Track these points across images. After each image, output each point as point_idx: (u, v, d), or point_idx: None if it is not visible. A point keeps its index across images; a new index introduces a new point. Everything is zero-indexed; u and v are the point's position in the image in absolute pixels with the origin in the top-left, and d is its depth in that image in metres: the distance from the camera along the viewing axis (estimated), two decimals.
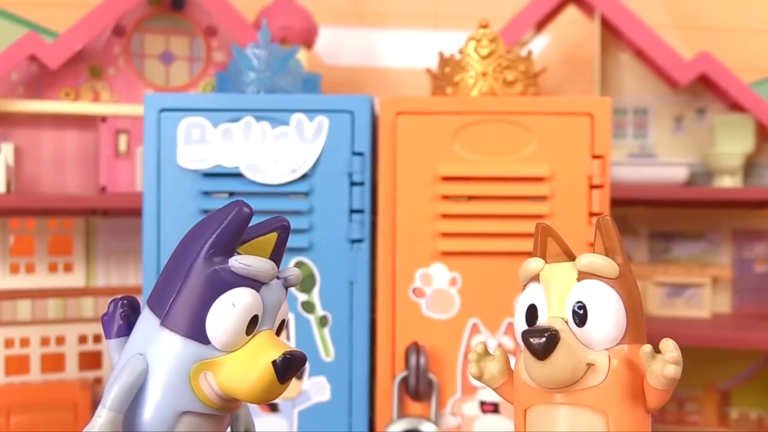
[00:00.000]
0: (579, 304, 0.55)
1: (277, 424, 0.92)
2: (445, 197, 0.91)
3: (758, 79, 1.43)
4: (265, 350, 0.53)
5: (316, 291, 0.92)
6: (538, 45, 1.47)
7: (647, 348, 0.54)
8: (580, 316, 0.55)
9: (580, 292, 0.56)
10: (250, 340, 0.54)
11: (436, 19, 1.50)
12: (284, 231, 0.60)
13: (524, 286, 0.60)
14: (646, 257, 1.47)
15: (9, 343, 1.22)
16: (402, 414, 0.90)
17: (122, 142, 1.27)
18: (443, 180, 0.91)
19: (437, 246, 0.91)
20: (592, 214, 0.90)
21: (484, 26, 1.01)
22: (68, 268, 1.27)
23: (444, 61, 1.02)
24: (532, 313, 0.58)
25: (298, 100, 0.93)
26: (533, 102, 0.93)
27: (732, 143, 1.34)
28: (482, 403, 0.92)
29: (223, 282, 0.54)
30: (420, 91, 1.34)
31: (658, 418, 1.45)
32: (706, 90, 1.39)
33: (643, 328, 0.58)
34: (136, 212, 1.02)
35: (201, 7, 1.32)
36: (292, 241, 0.92)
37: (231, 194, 0.92)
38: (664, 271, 1.43)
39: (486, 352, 0.61)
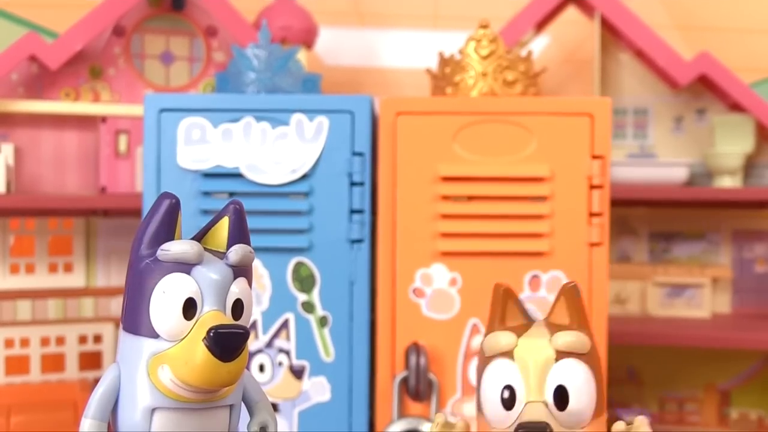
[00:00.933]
0: (561, 388, 0.55)
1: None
2: (445, 197, 0.91)
3: (758, 79, 1.43)
4: (203, 330, 0.53)
5: (316, 291, 0.92)
6: (538, 45, 1.47)
7: (621, 426, 0.55)
8: (562, 400, 0.55)
9: (559, 374, 0.56)
10: (195, 324, 0.54)
11: (436, 20, 1.50)
12: (235, 213, 0.59)
13: (489, 358, 0.59)
14: (646, 257, 1.47)
15: (9, 343, 1.22)
16: (402, 414, 0.90)
17: (122, 142, 1.27)
18: (443, 180, 0.91)
19: (437, 246, 0.91)
20: (592, 215, 0.90)
21: (484, 26, 1.01)
22: (68, 268, 1.27)
23: (444, 61, 1.02)
24: (510, 395, 0.57)
25: (298, 101, 0.93)
26: (533, 102, 0.93)
27: (732, 143, 1.34)
28: None
29: (155, 272, 0.55)
30: (420, 92, 1.34)
31: (658, 418, 1.45)
32: (706, 90, 1.39)
33: (604, 398, 0.58)
34: (136, 212, 1.02)
35: (201, 8, 1.32)
36: (293, 241, 0.93)
37: (231, 194, 0.92)
38: (664, 271, 1.43)
39: (447, 424, 0.61)
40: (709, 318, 1.40)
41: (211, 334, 0.52)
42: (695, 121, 1.42)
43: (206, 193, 0.92)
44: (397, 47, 1.50)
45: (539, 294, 0.90)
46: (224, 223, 0.58)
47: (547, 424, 0.53)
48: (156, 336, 0.54)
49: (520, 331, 0.59)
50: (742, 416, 1.43)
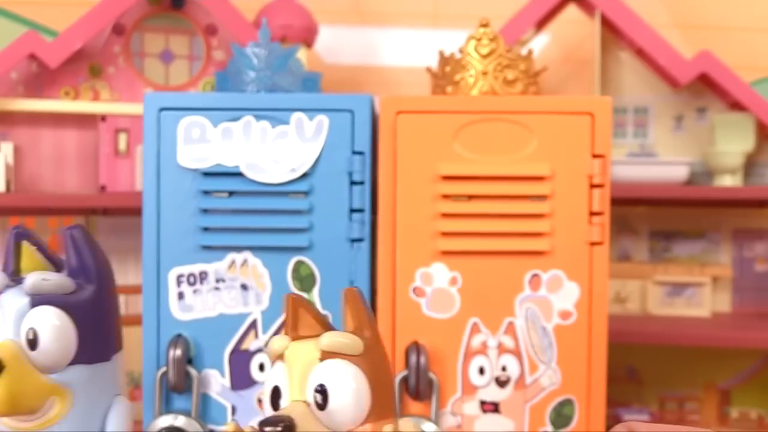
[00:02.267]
0: (319, 386, 0.55)
1: None
2: (446, 196, 0.91)
3: (758, 78, 1.43)
4: None
5: (316, 291, 0.92)
6: (539, 44, 1.47)
7: (389, 428, 0.55)
8: (321, 399, 0.55)
9: (320, 374, 0.56)
10: None
11: (437, 18, 1.50)
12: (71, 239, 0.62)
13: (272, 364, 0.59)
14: (646, 256, 1.47)
15: None
16: (402, 414, 0.90)
17: (122, 141, 1.27)
18: (443, 179, 0.91)
19: (437, 245, 0.91)
20: (592, 214, 0.90)
21: (485, 25, 1.01)
22: None
23: (444, 60, 1.02)
24: (275, 395, 0.57)
25: (298, 99, 0.93)
26: (534, 101, 0.93)
27: (732, 142, 1.34)
28: (482, 403, 0.92)
29: None
30: (420, 90, 1.35)
31: (658, 418, 1.45)
32: (707, 89, 1.39)
33: (391, 401, 0.58)
34: (136, 211, 1.02)
35: (201, 6, 1.32)
36: (292, 240, 0.93)
37: (231, 193, 0.92)
38: (664, 270, 1.43)
39: None
40: (709, 317, 1.40)
41: None
42: (696, 119, 1.42)
43: (206, 192, 0.92)
44: (397, 46, 1.49)
45: (539, 293, 0.90)
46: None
47: (290, 419, 0.53)
48: None
49: (306, 332, 0.59)
50: (742, 415, 1.43)
